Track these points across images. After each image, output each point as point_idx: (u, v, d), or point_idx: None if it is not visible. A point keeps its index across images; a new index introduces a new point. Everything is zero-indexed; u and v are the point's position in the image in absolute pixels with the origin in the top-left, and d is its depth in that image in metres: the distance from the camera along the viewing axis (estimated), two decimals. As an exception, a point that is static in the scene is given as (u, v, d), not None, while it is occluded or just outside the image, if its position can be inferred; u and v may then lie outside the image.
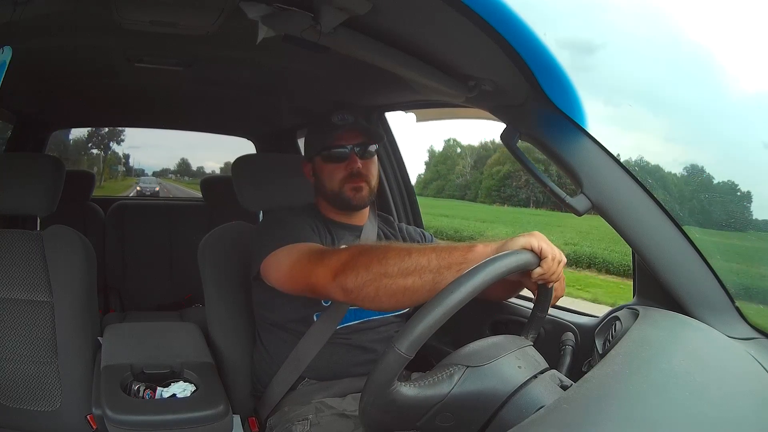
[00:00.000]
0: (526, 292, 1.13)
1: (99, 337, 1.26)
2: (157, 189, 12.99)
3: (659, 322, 0.86)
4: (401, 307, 0.89)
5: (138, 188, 12.85)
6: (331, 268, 0.90)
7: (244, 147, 2.66)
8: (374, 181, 1.19)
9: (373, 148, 1.19)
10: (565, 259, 0.83)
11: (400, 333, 0.66)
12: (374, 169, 1.20)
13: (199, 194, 2.68)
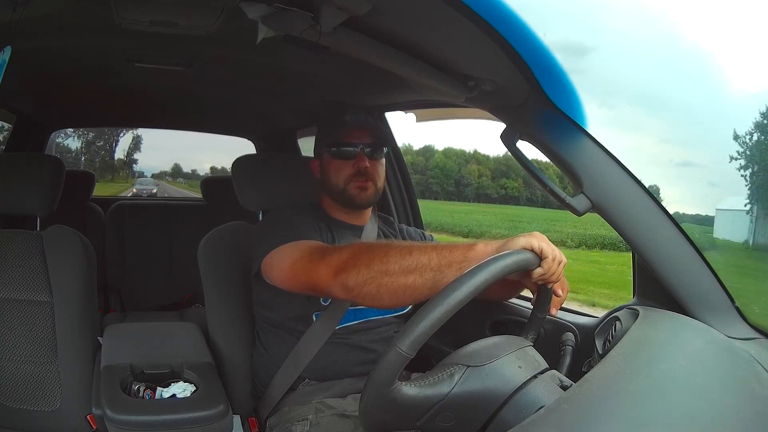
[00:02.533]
0: (526, 293, 1.13)
1: (99, 337, 1.26)
2: (154, 191, 12.32)
3: (659, 323, 0.86)
4: (402, 304, 0.89)
5: (134, 190, 12.07)
6: (333, 265, 0.90)
7: (234, 150, 2.67)
8: (380, 182, 1.20)
9: (381, 149, 1.20)
10: (565, 260, 0.83)
11: (401, 332, 0.66)
12: (381, 170, 1.20)
13: (191, 193, 2.69)
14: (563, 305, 1.05)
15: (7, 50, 0.88)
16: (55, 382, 1.17)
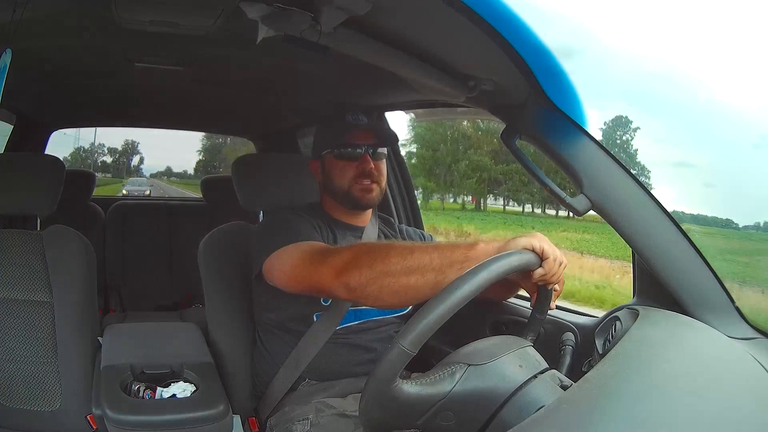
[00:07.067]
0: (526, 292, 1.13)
1: (99, 337, 1.26)
2: (147, 192, 11.43)
3: (659, 322, 0.86)
4: (404, 305, 0.89)
5: (124, 191, 10.92)
6: (335, 266, 0.90)
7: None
8: (384, 183, 1.20)
9: (384, 149, 1.20)
10: (566, 261, 0.84)
11: (403, 329, 0.66)
12: (384, 170, 1.20)
13: (182, 188, 2.70)
14: (563, 305, 1.05)
15: (8, 53, 0.87)
16: (55, 383, 1.16)
